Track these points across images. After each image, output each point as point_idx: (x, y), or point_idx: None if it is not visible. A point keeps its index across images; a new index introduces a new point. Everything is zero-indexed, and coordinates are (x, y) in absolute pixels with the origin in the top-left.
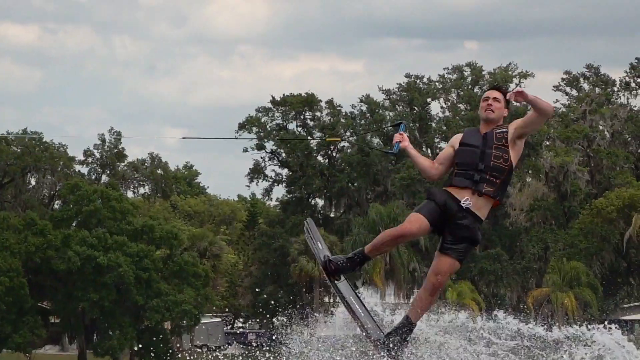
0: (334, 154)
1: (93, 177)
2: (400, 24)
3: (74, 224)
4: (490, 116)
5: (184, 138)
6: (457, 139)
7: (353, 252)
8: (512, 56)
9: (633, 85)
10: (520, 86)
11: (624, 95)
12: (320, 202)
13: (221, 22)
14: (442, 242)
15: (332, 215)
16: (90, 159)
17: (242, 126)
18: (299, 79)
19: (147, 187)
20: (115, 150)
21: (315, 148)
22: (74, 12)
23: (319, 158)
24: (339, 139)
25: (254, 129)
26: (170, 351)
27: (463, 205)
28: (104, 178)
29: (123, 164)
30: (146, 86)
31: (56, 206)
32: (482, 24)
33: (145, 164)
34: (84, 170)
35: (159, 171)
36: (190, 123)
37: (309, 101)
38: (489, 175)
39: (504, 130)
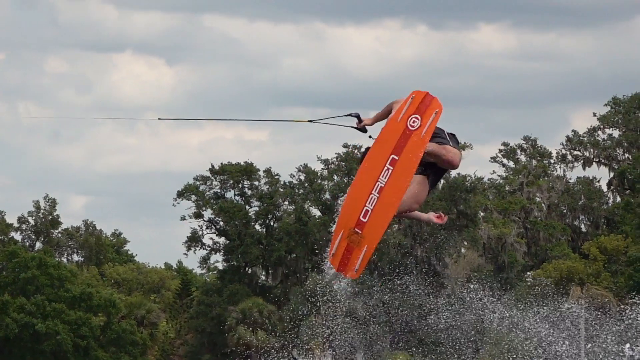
0: (272, 223)
1: (27, 244)
2: (305, 93)
3: (6, 291)
4: None
5: (159, 119)
6: None
7: None
8: None
9: (569, 157)
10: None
11: (560, 167)
12: (259, 271)
13: (126, 90)
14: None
15: (269, 284)
16: (24, 226)
17: (180, 194)
18: (204, 148)
19: (79, 255)
20: (50, 217)
21: (253, 217)
22: None
23: (257, 227)
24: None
25: (193, 197)
26: None
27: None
28: (38, 245)
29: (57, 231)
30: (51, 153)
31: None
32: (386, 94)
33: (80, 232)
34: (18, 237)
35: (93, 239)
36: (95, 190)
37: (248, 170)
38: None
39: None
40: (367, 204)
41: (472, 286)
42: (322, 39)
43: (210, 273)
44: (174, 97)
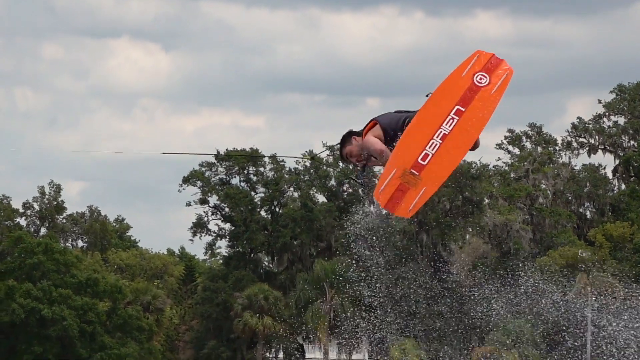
0: (278, 209)
1: (32, 230)
2: (301, 79)
3: (12, 277)
4: None
5: (164, 153)
6: None
7: None
8: None
9: (575, 144)
10: None
11: (565, 154)
12: (264, 257)
13: (123, 76)
14: None
15: (275, 270)
16: (29, 212)
17: (186, 180)
18: (200, 133)
19: (83, 240)
20: (55, 203)
21: (259, 203)
22: None
23: (262, 213)
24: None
25: (198, 183)
26: None
27: None
28: (43, 230)
29: (62, 216)
30: (47, 139)
31: None
32: (383, 81)
33: (85, 217)
34: (23, 222)
35: (97, 225)
36: (91, 176)
37: (253, 156)
38: None
39: None
40: (427, 148)
41: (520, 264)
42: (318, 25)
43: (213, 259)
44: (170, 83)
